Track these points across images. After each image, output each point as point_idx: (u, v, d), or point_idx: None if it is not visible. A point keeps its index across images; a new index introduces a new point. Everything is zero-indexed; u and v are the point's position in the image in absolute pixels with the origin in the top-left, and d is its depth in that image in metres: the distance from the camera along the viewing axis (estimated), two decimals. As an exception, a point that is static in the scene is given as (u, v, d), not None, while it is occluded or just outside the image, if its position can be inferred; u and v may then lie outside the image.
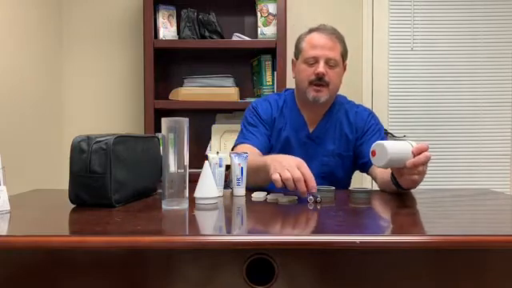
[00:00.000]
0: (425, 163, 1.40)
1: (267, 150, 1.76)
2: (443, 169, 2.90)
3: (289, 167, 1.35)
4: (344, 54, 1.80)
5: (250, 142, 1.74)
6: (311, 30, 1.81)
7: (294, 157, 1.44)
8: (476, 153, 2.94)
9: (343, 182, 1.82)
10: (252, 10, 2.75)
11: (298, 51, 1.82)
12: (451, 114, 2.93)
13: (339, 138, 1.81)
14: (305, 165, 1.38)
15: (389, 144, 1.39)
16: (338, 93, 1.86)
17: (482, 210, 1.40)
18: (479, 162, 2.94)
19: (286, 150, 1.75)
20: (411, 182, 1.44)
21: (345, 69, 1.83)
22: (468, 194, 1.73)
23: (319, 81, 1.73)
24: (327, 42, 1.75)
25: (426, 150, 1.39)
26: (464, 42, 2.93)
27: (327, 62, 1.73)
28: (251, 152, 1.60)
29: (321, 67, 1.72)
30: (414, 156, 1.38)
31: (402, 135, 2.90)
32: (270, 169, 1.40)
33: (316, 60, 1.74)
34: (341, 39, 1.79)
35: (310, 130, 1.82)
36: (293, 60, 1.87)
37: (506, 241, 0.97)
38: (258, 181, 1.53)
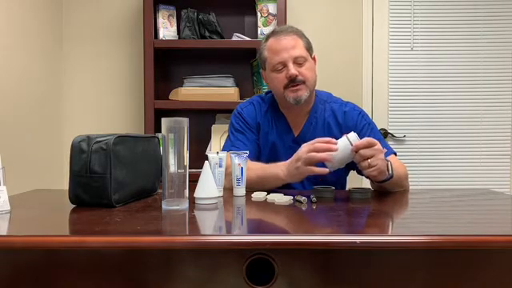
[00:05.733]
0: (367, 147, 1.42)
1: (256, 156, 1.73)
2: (443, 169, 2.89)
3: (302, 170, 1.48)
4: (309, 48, 1.73)
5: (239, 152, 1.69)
6: (268, 37, 1.75)
7: (293, 163, 1.50)
8: (476, 153, 2.94)
9: (336, 187, 1.75)
10: (252, 10, 2.75)
11: (262, 62, 1.76)
12: (451, 114, 2.93)
13: None
14: (303, 149, 1.48)
15: None
16: (323, 90, 1.82)
17: (481, 210, 1.40)
18: (479, 162, 2.94)
19: (272, 155, 1.73)
20: (373, 175, 1.47)
21: (315, 61, 1.76)
22: (468, 193, 1.72)
23: (294, 82, 1.67)
24: (288, 42, 1.68)
25: (369, 144, 1.42)
26: (464, 42, 2.93)
27: (295, 61, 1.67)
28: (252, 162, 1.60)
29: (291, 69, 1.66)
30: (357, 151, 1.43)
31: (402, 135, 2.91)
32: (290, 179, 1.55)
33: (284, 64, 1.68)
34: (300, 34, 1.73)
35: (296, 134, 1.76)
36: (262, 72, 1.82)
37: (506, 241, 0.97)
38: (265, 187, 1.56)
